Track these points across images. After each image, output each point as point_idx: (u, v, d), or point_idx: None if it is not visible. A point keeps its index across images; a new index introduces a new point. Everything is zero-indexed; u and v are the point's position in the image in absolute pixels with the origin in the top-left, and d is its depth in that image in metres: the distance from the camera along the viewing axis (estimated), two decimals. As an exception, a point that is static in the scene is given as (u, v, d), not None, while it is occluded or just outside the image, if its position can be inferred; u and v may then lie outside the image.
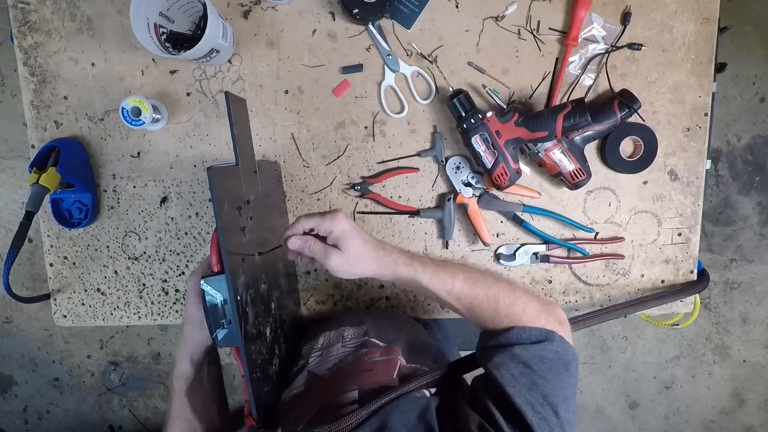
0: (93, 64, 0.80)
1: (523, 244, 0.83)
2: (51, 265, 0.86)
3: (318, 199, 0.83)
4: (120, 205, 0.84)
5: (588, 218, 0.83)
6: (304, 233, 0.55)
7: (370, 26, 0.77)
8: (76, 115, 0.82)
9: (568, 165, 0.76)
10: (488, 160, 0.75)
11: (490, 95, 0.78)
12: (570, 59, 0.79)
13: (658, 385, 1.96)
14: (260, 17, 0.79)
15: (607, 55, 0.79)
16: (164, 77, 0.80)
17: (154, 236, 0.85)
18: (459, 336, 1.00)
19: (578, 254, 0.83)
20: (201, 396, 0.61)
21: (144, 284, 0.86)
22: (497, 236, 0.83)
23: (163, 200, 0.84)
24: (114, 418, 2.05)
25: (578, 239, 0.84)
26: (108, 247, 0.85)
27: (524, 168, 0.81)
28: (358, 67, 0.79)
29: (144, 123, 0.74)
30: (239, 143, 0.55)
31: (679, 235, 0.84)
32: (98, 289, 0.87)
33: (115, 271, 0.86)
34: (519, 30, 0.79)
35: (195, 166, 0.82)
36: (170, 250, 0.85)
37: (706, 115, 0.81)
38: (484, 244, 0.82)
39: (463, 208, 0.81)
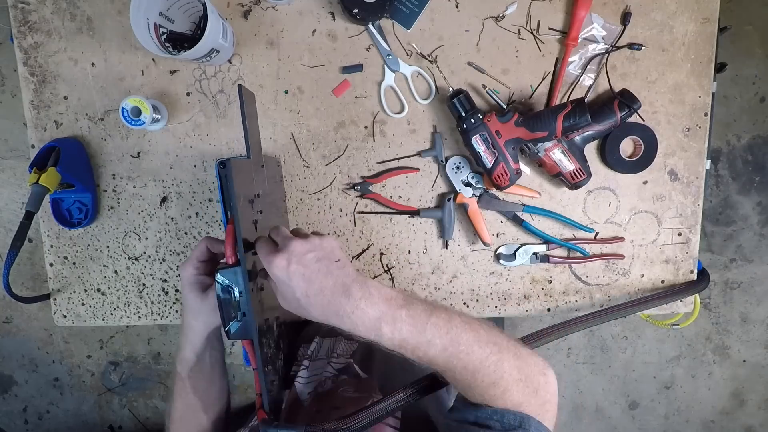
0: (93, 64, 0.80)
1: (523, 244, 0.83)
2: (51, 265, 0.86)
3: (318, 199, 0.83)
4: (120, 205, 0.84)
5: (588, 218, 0.83)
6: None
7: (370, 26, 0.77)
8: (76, 115, 0.82)
9: (568, 165, 0.76)
10: (488, 160, 0.75)
11: (490, 95, 0.78)
12: (570, 59, 0.79)
13: (658, 385, 1.96)
14: (260, 17, 0.79)
15: (607, 55, 0.79)
16: (164, 77, 0.80)
17: (154, 236, 0.85)
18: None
19: (578, 254, 0.83)
20: (202, 378, 0.64)
21: (144, 284, 0.86)
22: (497, 236, 0.83)
23: (163, 200, 0.84)
24: (114, 418, 2.05)
25: (578, 239, 0.84)
26: (108, 247, 0.85)
27: (524, 168, 0.81)
28: (358, 67, 0.79)
29: (144, 123, 0.74)
30: (250, 137, 0.55)
31: (679, 235, 0.84)
32: (98, 289, 0.87)
33: (115, 271, 0.86)
34: (519, 30, 0.79)
35: (195, 166, 0.82)
36: (170, 250, 0.85)
37: (706, 115, 0.81)
38: (484, 244, 0.82)
39: (463, 208, 0.81)
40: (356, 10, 0.74)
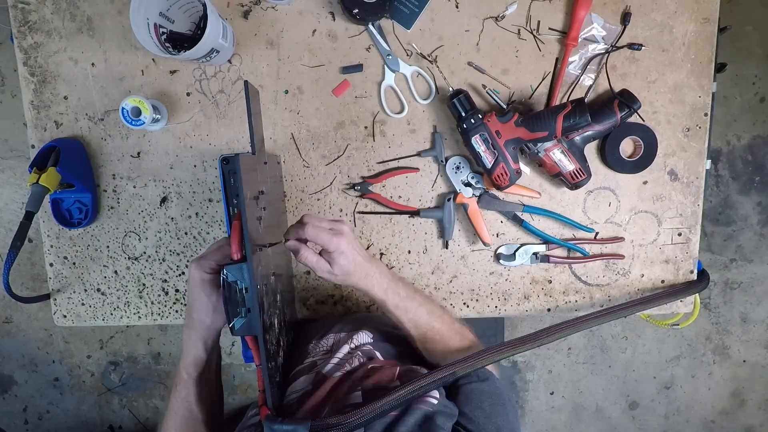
0: (93, 64, 0.80)
1: (523, 244, 0.83)
2: (51, 265, 0.86)
3: (318, 199, 0.83)
4: (120, 205, 0.84)
5: (588, 218, 0.83)
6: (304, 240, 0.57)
7: (370, 26, 0.77)
8: (76, 115, 0.82)
9: (568, 165, 0.76)
10: (488, 160, 0.75)
11: (490, 95, 0.78)
12: (570, 59, 0.79)
13: (658, 385, 1.96)
14: (260, 17, 0.79)
15: (607, 55, 0.79)
16: (164, 77, 0.80)
17: (154, 236, 0.85)
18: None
19: (578, 254, 0.83)
20: (207, 384, 0.62)
21: (144, 284, 0.86)
22: (497, 236, 0.83)
23: (163, 200, 0.84)
24: (114, 418, 2.05)
25: (578, 239, 0.84)
26: (108, 247, 0.85)
27: (524, 168, 0.81)
28: (358, 67, 0.79)
29: (144, 123, 0.74)
30: (255, 133, 0.56)
31: (679, 235, 0.84)
32: (98, 289, 0.87)
33: (115, 271, 0.86)
34: (519, 30, 0.79)
35: (195, 166, 0.82)
36: (170, 250, 0.85)
37: (706, 115, 0.81)
38: (484, 244, 0.82)
39: (463, 208, 0.81)
40: (356, 10, 0.74)
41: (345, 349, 0.63)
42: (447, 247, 0.84)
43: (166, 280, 0.86)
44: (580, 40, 0.78)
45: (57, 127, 0.82)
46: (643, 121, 0.80)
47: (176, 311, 0.87)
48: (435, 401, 0.52)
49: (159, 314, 0.87)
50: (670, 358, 1.94)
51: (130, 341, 1.97)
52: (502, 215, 0.83)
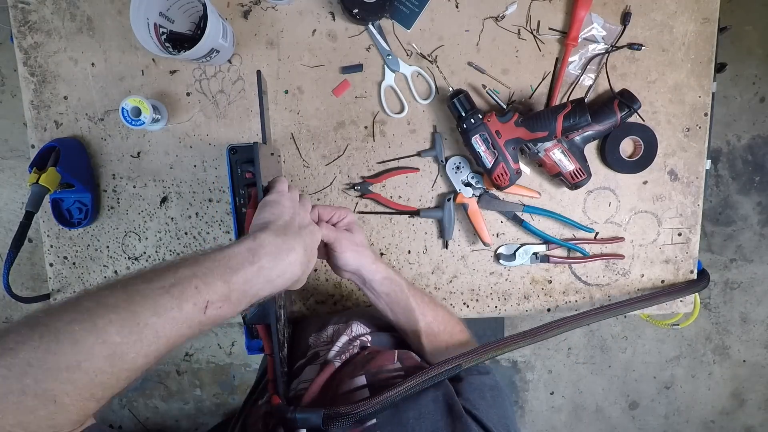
0: (93, 64, 0.80)
1: (523, 244, 0.83)
2: (51, 265, 0.86)
3: (318, 199, 0.83)
4: (120, 205, 0.84)
5: (588, 218, 0.83)
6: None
7: (370, 26, 0.77)
8: (76, 115, 0.82)
9: (568, 165, 0.76)
10: (488, 160, 0.75)
11: (490, 95, 0.78)
12: (570, 59, 0.79)
13: (658, 385, 1.96)
14: (260, 17, 0.79)
15: (607, 55, 0.79)
16: (164, 77, 0.80)
17: (154, 236, 0.85)
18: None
19: (578, 254, 0.83)
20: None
21: (144, 284, 0.86)
22: (497, 236, 0.83)
23: (163, 200, 0.84)
24: (114, 418, 2.05)
25: (578, 239, 0.84)
26: (108, 247, 0.85)
27: (524, 168, 0.81)
28: (358, 67, 0.79)
29: (144, 123, 0.74)
30: (265, 123, 0.56)
31: (679, 235, 0.84)
32: (98, 289, 0.87)
33: (115, 271, 0.86)
34: (519, 30, 0.79)
35: (195, 166, 0.82)
36: (170, 250, 0.85)
37: (706, 115, 0.81)
38: (484, 244, 0.82)
39: (463, 208, 0.81)
40: (356, 10, 0.74)
41: (344, 338, 0.64)
42: (447, 247, 0.84)
43: (166, 280, 0.86)
44: (580, 40, 0.78)
45: (57, 127, 0.82)
46: (643, 121, 0.80)
47: (176, 311, 0.87)
48: None
49: (159, 314, 0.87)
50: (670, 358, 1.94)
51: (130, 341, 1.97)
52: (502, 215, 0.83)
